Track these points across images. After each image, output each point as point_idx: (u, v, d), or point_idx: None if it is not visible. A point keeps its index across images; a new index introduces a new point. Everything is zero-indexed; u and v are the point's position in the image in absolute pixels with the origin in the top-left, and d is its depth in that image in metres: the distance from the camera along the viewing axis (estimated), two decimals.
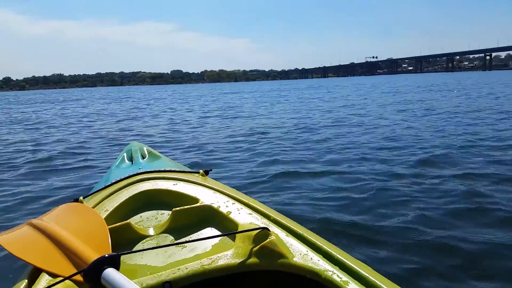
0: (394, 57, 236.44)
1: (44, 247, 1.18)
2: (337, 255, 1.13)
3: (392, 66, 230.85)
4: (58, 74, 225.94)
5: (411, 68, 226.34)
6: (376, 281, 1.01)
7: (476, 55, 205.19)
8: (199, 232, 1.38)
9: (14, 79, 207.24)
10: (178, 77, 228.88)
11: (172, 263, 1.16)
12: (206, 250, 1.23)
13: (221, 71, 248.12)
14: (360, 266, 1.08)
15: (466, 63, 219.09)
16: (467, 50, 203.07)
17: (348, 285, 1.00)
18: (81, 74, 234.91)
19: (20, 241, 1.30)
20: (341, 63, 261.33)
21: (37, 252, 1.17)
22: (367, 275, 1.03)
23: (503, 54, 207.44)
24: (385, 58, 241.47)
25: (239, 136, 8.84)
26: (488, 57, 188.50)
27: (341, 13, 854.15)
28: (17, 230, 1.40)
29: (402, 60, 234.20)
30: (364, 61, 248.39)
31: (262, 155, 6.61)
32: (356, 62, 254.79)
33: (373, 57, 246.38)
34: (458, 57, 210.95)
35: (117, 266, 0.99)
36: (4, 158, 7.29)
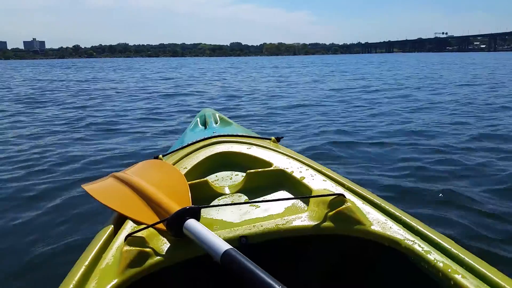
0: (465, 34, 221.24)
1: (128, 197, 1.26)
2: (417, 226, 1.08)
3: (462, 43, 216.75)
4: (123, 43, 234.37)
5: (483, 46, 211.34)
6: (458, 253, 0.96)
7: None
8: (272, 195, 1.39)
9: (83, 47, 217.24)
10: (237, 50, 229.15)
11: (247, 220, 1.18)
12: (280, 212, 1.23)
13: (280, 44, 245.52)
14: (441, 237, 1.04)
15: None
16: None
17: (429, 255, 0.97)
18: (145, 44, 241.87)
19: (106, 190, 1.40)
20: (408, 38, 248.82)
21: (122, 201, 1.26)
22: (449, 246, 0.99)
23: None
24: (455, 35, 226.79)
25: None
26: None
27: None
28: (102, 181, 1.50)
29: (474, 37, 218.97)
30: (432, 37, 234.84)
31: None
32: (424, 37, 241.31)
33: (443, 33, 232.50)
34: None
35: (197, 218, 1.03)
36: (86, 120, 7.74)
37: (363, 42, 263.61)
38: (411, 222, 1.11)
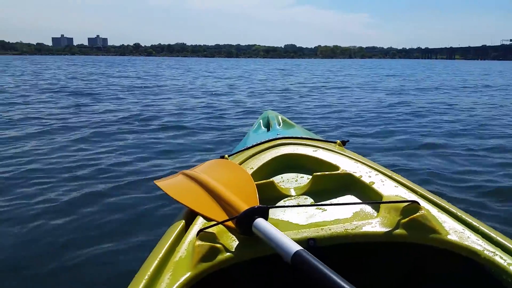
0: None
1: (198, 194, 1.28)
2: (497, 237, 1.03)
3: None
4: (181, 43, 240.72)
5: None
6: None
7: None
8: (339, 198, 1.36)
9: (143, 45, 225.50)
10: (291, 52, 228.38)
11: (314, 223, 1.17)
12: (347, 216, 1.20)
13: (335, 46, 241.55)
14: None
15: None
16: None
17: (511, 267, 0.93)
18: (202, 44, 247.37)
19: (177, 187, 1.43)
20: (471, 45, 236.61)
21: (193, 198, 1.28)
22: None
23: None
24: None
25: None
26: None
27: None
28: (173, 178, 1.53)
29: None
30: (499, 44, 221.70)
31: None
32: (489, 44, 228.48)
33: (511, 40, 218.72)
34: None
35: (266, 217, 1.04)
36: (149, 118, 7.98)
37: (423, 47, 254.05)
38: (490, 233, 1.06)
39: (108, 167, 4.41)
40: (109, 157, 4.90)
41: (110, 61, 59.98)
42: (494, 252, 0.98)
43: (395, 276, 1.40)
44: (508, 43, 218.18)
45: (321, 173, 1.44)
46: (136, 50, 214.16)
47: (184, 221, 1.17)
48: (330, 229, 1.08)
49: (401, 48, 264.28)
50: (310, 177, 1.45)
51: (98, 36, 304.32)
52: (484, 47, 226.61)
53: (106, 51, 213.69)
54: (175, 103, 10.43)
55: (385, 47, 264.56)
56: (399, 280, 1.40)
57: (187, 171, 1.50)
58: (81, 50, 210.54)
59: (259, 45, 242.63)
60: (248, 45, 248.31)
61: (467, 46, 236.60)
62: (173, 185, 1.45)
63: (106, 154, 5.05)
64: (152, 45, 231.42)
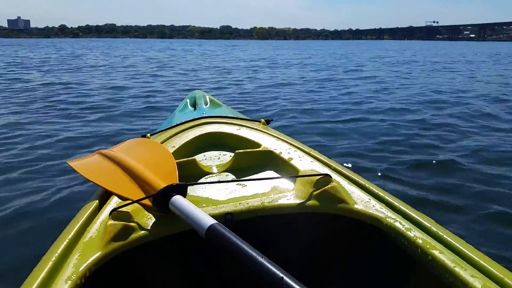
0: (456, 23, 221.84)
1: (114, 173, 1.26)
2: (399, 206, 1.12)
3: (452, 33, 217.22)
4: (110, 24, 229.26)
5: (473, 35, 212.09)
6: (437, 231, 1.00)
7: None
8: (259, 174, 1.40)
9: (69, 27, 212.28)
10: (227, 33, 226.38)
11: (233, 198, 1.20)
12: (266, 190, 1.24)
13: (271, 28, 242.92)
14: (422, 216, 1.07)
15: None
16: None
17: (410, 232, 1.00)
18: (133, 25, 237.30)
19: (91, 166, 1.40)
20: (399, 26, 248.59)
21: (108, 177, 1.26)
22: (429, 225, 1.02)
23: None
24: (445, 24, 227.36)
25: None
26: None
27: None
28: (88, 158, 1.50)
29: (464, 26, 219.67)
30: (423, 25, 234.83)
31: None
32: (414, 25, 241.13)
33: (434, 22, 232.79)
34: None
35: (184, 195, 1.04)
36: (74, 98, 7.74)
37: (353, 29, 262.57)
38: (393, 201, 1.14)
39: (22, 151, 4.16)
40: (25, 139, 4.62)
41: (32, 44, 55.86)
42: (395, 219, 1.05)
43: (309, 246, 1.44)
44: (431, 25, 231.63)
45: (243, 150, 1.47)
46: (62, 32, 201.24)
47: (97, 201, 1.15)
48: (247, 203, 1.11)
49: (333, 29, 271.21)
50: (233, 154, 1.47)
51: (19, 17, 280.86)
52: (410, 28, 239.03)
53: (28, 34, 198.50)
54: (100, 84, 10.01)
55: (318, 29, 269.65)
56: (313, 248, 1.45)
57: (104, 151, 1.46)
58: (0, 32, 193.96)
59: (193, 26, 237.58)
60: (183, 25, 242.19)
61: (395, 27, 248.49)
62: (87, 165, 1.40)
63: (22, 137, 4.75)
64: (79, 26, 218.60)
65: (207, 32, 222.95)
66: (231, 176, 1.40)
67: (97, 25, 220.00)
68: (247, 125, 1.82)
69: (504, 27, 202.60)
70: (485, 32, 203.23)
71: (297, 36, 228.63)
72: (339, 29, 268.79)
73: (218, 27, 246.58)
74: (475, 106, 6.83)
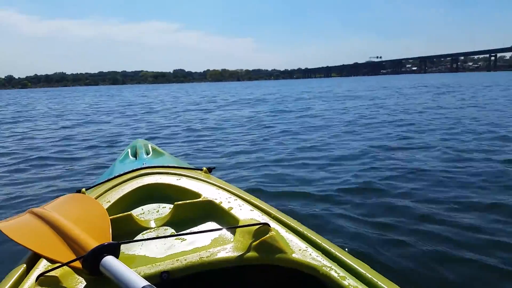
0: (398, 58, 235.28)
1: (43, 234, 1.19)
2: (335, 252, 1.14)
3: (396, 66, 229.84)
4: (60, 72, 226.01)
5: (415, 68, 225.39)
6: (372, 277, 1.02)
7: (481, 56, 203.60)
8: (199, 226, 1.38)
9: (16, 77, 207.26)
10: (181, 76, 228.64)
11: (171, 255, 1.16)
12: (206, 244, 1.22)
13: (224, 70, 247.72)
14: (357, 263, 1.09)
15: (471, 63, 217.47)
16: (472, 50, 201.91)
17: (345, 280, 1.01)
18: (84, 72, 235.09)
19: (21, 227, 1.32)
20: (345, 63, 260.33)
21: (37, 239, 1.19)
22: (363, 271, 1.04)
23: (507, 55, 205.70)
24: (388, 59, 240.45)
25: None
26: (493, 58, 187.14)
27: (344, 13, 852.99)
28: (18, 218, 1.42)
29: (406, 60, 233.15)
30: (367, 61, 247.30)
31: None
32: (359, 62, 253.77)
33: (377, 57, 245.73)
34: (462, 57, 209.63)
35: (116, 255, 0.99)
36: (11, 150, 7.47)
37: (303, 68, 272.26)
38: (329, 248, 1.16)
39: None
40: None
41: None
42: (330, 267, 1.07)
43: None
44: (375, 60, 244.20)
45: (182, 202, 1.44)
46: (9, 82, 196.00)
47: (25, 265, 1.09)
48: (185, 259, 1.08)
49: (283, 69, 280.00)
50: (172, 206, 1.44)
51: None
52: (355, 65, 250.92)
53: None
54: (37, 136, 9.69)
55: (269, 69, 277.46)
56: None
57: (35, 209, 1.40)
58: None
59: (146, 71, 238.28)
60: (135, 71, 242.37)
61: (341, 64, 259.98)
62: (16, 226, 1.34)
63: None
64: (27, 76, 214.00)
65: (161, 76, 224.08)
66: (170, 230, 1.35)
67: (46, 74, 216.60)
68: (188, 174, 1.80)
69: (442, 59, 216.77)
70: (426, 64, 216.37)
71: (250, 77, 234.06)
72: (289, 69, 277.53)
73: (172, 71, 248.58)
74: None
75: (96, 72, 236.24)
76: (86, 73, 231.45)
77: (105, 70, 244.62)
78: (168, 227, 1.37)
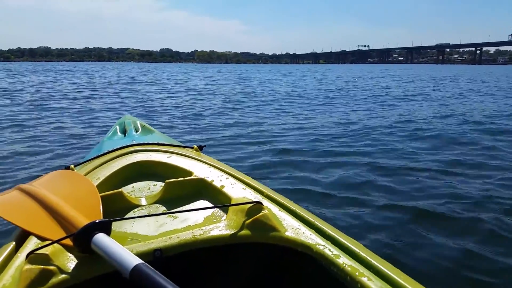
0: (385, 47, 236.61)
1: (33, 211, 1.18)
2: (329, 231, 1.13)
3: (383, 56, 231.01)
4: (44, 46, 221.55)
5: (401, 58, 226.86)
6: (366, 256, 1.01)
7: (466, 49, 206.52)
8: (191, 204, 1.37)
9: None
10: (168, 56, 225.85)
11: (163, 233, 1.16)
12: (198, 222, 1.23)
13: (212, 51, 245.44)
14: (351, 241, 1.09)
15: (456, 56, 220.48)
16: (458, 43, 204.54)
17: (339, 259, 1.01)
18: (69, 48, 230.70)
19: (9, 204, 1.29)
20: (333, 50, 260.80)
21: (26, 216, 1.17)
22: (357, 250, 1.04)
23: (492, 49, 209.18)
24: (376, 48, 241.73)
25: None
26: (478, 52, 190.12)
27: (333, 0, 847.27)
28: (5, 194, 1.39)
29: (393, 50, 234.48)
30: (355, 49, 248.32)
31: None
32: (347, 50, 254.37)
33: (365, 46, 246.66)
34: (448, 50, 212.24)
35: (108, 232, 0.98)
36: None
37: (291, 53, 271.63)
38: (323, 227, 1.16)
39: None
40: None
41: None
42: (324, 245, 1.06)
43: (244, 277, 1.43)
44: (363, 49, 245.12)
45: (173, 179, 1.43)
46: None
47: (14, 243, 1.08)
48: (178, 237, 1.07)
49: (271, 54, 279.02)
50: (163, 184, 1.43)
51: None
52: (343, 52, 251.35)
53: None
54: (23, 108, 9.56)
55: (258, 53, 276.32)
56: (248, 280, 1.43)
57: (24, 186, 1.37)
58: None
59: (133, 49, 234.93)
60: (121, 48, 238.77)
61: (330, 51, 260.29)
62: (3, 203, 1.30)
63: None
64: (9, 49, 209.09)
65: (148, 54, 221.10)
66: (161, 208, 1.34)
67: (30, 48, 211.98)
68: (178, 152, 1.79)
69: (428, 50, 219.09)
70: (412, 55, 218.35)
71: (238, 60, 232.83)
72: (277, 53, 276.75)
73: (159, 50, 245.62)
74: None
75: (82, 47, 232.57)
76: (72, 49, 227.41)
77: (90, 46, 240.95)
78: (160, 205, 1.36)
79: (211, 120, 8.16)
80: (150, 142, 1.99)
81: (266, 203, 1.27)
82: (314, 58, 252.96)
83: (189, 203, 1.38)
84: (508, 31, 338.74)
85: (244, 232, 1.10)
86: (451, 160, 4.80)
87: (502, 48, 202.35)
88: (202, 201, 1.40)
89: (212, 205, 1.35)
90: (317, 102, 11.44)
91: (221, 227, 1.13)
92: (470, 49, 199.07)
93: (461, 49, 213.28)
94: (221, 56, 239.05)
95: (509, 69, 69.84)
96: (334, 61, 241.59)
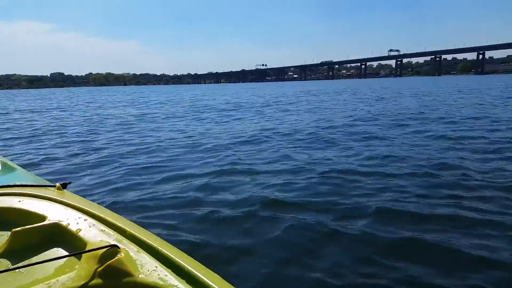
0: (281, 66, 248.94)
1: None
2: (188, 267, 1.07)
3: (279, 74, 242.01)
4: None
5: (296, 76, 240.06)
6: None
7: (353, 65, 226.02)
8: (42, 254, 1.23)
9: None
10: (60, 80, 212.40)
11: None
12: (47, 274, 1.11)
13: (108, 74, 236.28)
14: (209, 275, 1.05)
15: (344, 71, 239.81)
16: (345, 60, 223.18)
17: None
18: None
19: None
20: (233, 70, 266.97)
21: None
22: (213, 285, 1.00)
23: (374, 64, 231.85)
24: (273, 66, 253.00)
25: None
26: (363, 66, 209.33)
27: (232, 22, 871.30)
28: None
29: (289, 68, 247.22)
30: (254, 68, 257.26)
31: None
32: (247, 69, 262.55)
33: (263, 65, 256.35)
34: (337, 66, 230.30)
35: None
36: None
37: (192, 73, 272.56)
38: (181, 262, 1.10)
39: None
40: None
41: None
42: (176, 286, 1.01)
43: None
44: (261, 68, 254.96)
45: (21, 228, 1.28)
46: None
47: None
48: None
49: (173, 74, 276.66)
50: (10, 233, 1.27)
51: None
52: (243, 72, 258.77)
53: None
54: None
55: (158, 74, 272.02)
56: None
57: None
58: None
59: (19, 75, 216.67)
60: (7, 75, 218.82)
61: (230, 71, 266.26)
62: None
63: None
64: None
65: (37, 80, 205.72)
66: (6, 263, 1.20)
67: None
68: (35, 193, 1.62)
69: (320, 67, 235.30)
70: (305, 72, 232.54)
71: (138, 81, 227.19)
72: (178, 74, 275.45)
73: (49, 74, 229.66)
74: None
75: None
76: None
77: None
78: (5, 259, 1.21)
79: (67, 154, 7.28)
80: (5, 184, 1.79)
81: (125, 244, 1.19)
82: (216, 78, 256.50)
83: (40, 254, 1.23)
84: (387, 47, 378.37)
85: (96, 281, 1.04)
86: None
87: (383, 62, 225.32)
88: (55, 249, 1.26)
89: (65, 254, 1.22)
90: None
91: (70, 278, 1.05)
92: (356, 64, 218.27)
93: (348, 65, 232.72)
94: (119, 78, 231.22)
95: (388, 80, 74.28)
96: (235, 80, 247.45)
